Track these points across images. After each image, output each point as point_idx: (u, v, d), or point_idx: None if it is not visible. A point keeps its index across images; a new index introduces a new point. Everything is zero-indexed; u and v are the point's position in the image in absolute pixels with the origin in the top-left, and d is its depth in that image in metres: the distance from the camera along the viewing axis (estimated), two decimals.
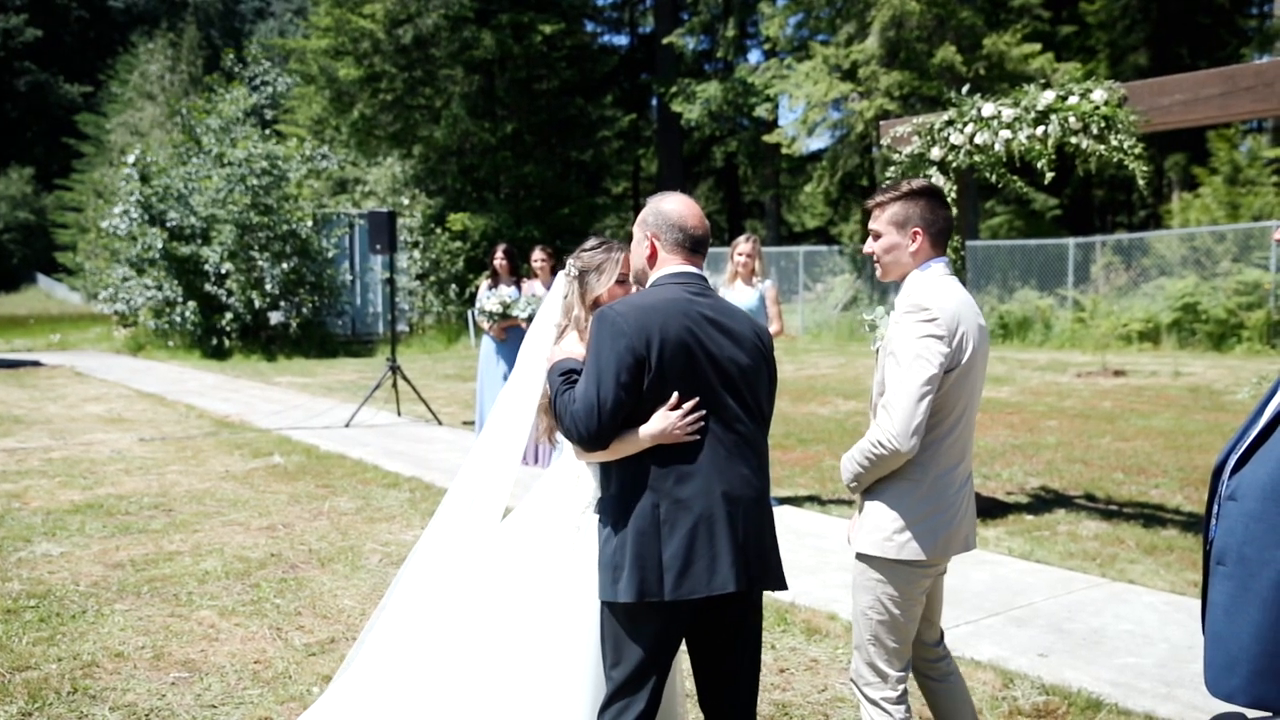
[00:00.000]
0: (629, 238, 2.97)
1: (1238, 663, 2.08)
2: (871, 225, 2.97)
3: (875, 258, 2.97)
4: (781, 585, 2.73)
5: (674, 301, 2.66)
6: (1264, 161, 22.18)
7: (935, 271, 2.88)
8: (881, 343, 2.91)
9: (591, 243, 3.17)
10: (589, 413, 2.58)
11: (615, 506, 2.65)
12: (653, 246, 2.81)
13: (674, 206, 2.82)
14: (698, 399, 2.61)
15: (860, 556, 2.90)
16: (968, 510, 2.91)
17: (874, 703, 2.90)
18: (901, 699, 2.90)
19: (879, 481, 2.85)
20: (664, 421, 2.58)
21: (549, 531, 2.97)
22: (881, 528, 2.82)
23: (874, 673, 2.90)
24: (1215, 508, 2.21)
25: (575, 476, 2.94)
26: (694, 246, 2.80)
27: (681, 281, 2.74)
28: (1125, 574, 5.63)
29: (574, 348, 2.90)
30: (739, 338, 2.69)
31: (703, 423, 2.61)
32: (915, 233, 2.87)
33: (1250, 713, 2.04)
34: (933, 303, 2.75)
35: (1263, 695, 2.04)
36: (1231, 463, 2.17)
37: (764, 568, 2.66)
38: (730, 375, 2.65)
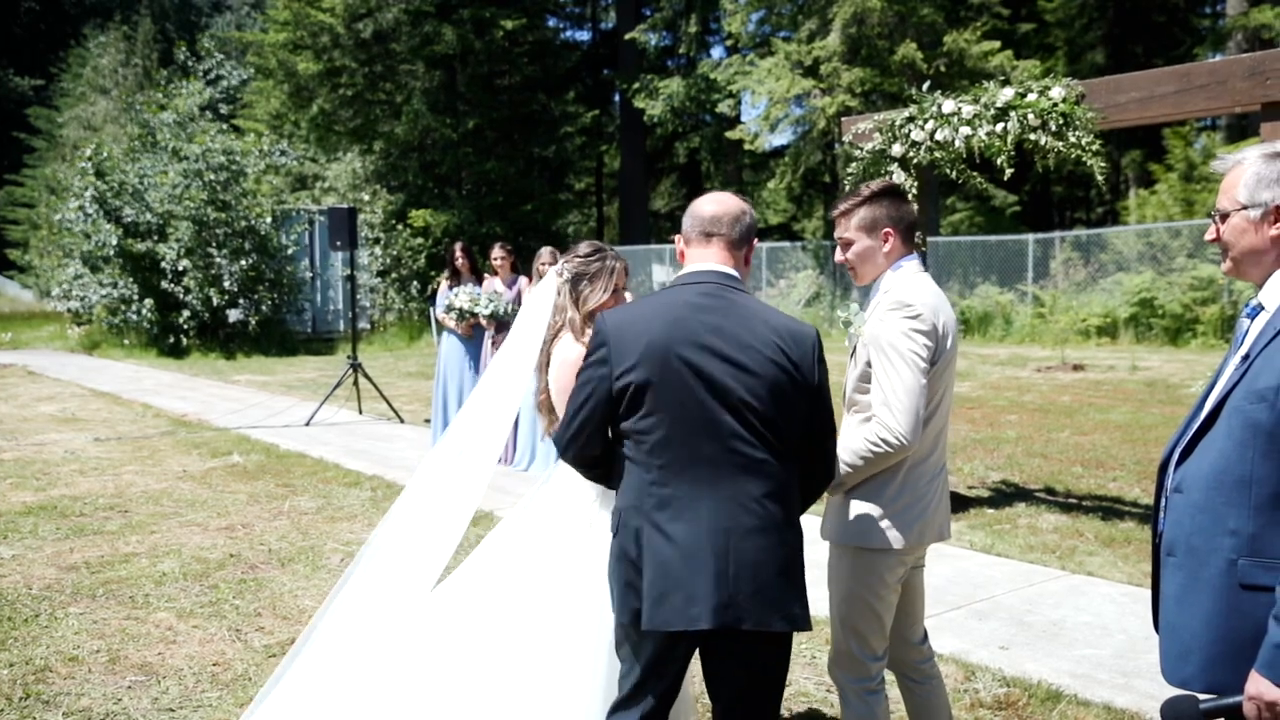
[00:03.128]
0: (595, 234, 2.95)
1: (1191, 651, 2.12)
2: (840, 234, 2.98)
3: (849, 265, 2.98)
4: (796, 624, 2.43)
5: (670, 306, 2.50)
6: (1218, 158, 22.52)
7: (910, 269, 2.91)
8: (858, 340, 2.90)
9: (586, 248, 3.19)
10: (563, 424, 2.60)
11: (615, 522, 2.56)
12: (680, 249, 2.71)
13: (697, 200, 2.71)
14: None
15: (835, 547, 2.92)
16: (941, 500, 2.95)
17: (851, 693, 2.93)
18: (878, 690, 2.92)
19: None
20: None
21: (561, 529, 2.94)
22: (858, 518, 2.84)
23: (850, 662, 2.93)
24: (1163, 501, 2.25)
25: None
26: (704, 229, 2.61)
27: (693, 281, 2.56)
28: (1084, 566, 5.70)
29: (571, 349, 2.97)
30: (747, 348, 2.43)
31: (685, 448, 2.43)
32: (886, 233, 2.90)
33: (1202, 695, 2.08)
34: (915, 299, 2.79)
35: (1217, 681, 2.08)
36: (1176, 456, 2.21)
37: (762, 603, 2.39)
38: (728, 391, 2.41)
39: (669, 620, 2.38)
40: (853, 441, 2.79)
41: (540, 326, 3.11)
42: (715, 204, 2.65)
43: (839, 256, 3.02)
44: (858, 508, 2.84)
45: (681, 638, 2.46)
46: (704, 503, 2.40)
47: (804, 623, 2.45)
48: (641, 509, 2.45)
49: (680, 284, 2.59)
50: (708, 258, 2.60)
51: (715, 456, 2.41)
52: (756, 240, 2.67)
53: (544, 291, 3.16)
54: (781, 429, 2.46)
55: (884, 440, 2.72)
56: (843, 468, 2.80)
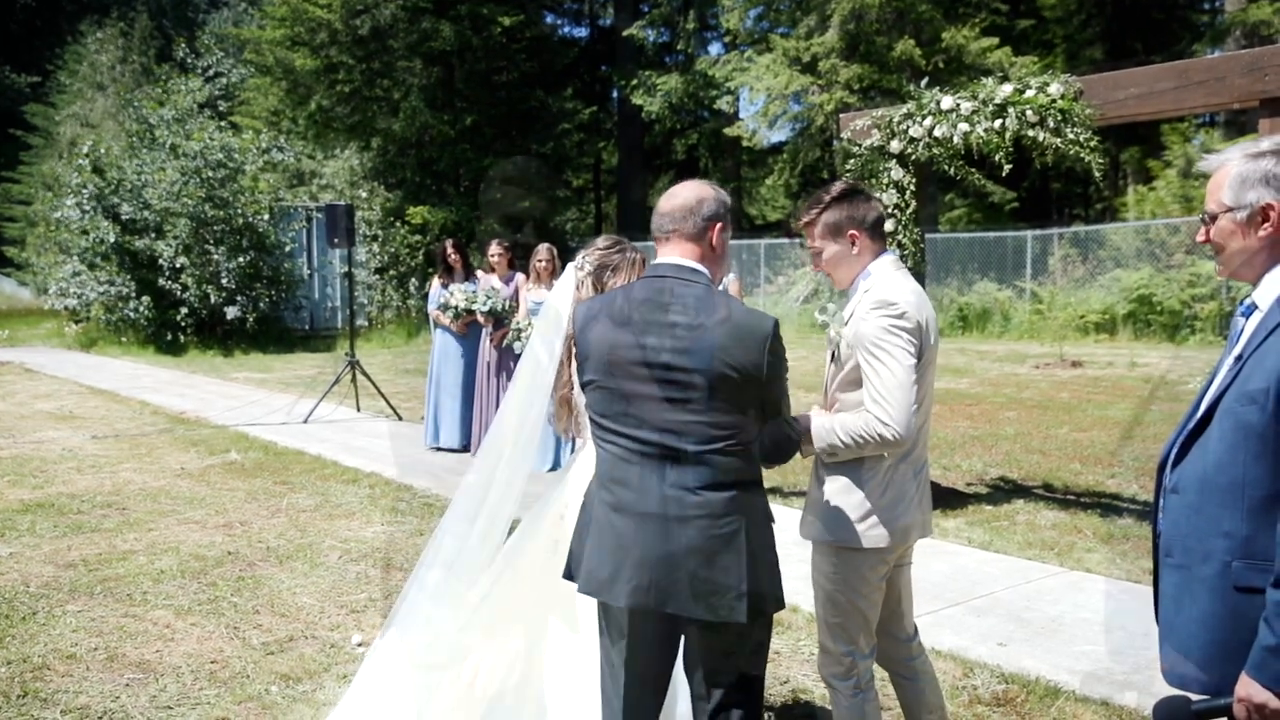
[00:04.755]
0: (593, 231, 2.96)
1: (1189, 651, 2.13)
2: (810, 245, 2.97)
3: (826, 273, 2.97)
4: (719, 614, 2.43)
5: (620, 302, 2.58)
6: (1203, 160, 22.52)
7: (886, 267, 2.88)
8: (839, 343, 2.88)
9: (605, 241, 3.20)
10: None
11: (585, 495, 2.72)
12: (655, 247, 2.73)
13: (661, 197, 2.72)
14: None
15: (817, 546, 2.91)
16: (923, 497, 2.93)
17: (837, 691, 2.92)
18: (866, 688, 2.92)
19: (836, 469, 2.85)
20: None
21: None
22: (840, 515, 2.82)
23: (837, 661, 2.92)
24: (1161, 501, 2.25)
25: None
26: (661, 227, 2.63)
27: (650, 275, 2.62)
28: (1082, 563, 5.70)
29: None
30: (688, 341, 2.45)
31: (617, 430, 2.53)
32: (852, 235, 2.88)
33: (1195, 695, 2.08)
34: (898, 297, 2.76)
35: (1214, 681, 2.08)
36: (1173, 456, 2.21)
37: (684, 590, 2.43)
38: (663, 385, 2.46)
39: (596, 590, 2.53)
40: (850, 421, 2.72)
41: (562, 321, 3.11)
42: (668, 200, 2.66)
43: (814, 266, 3.00)
44: (838, 507, 2.82)
45: (639, 616, 2.53)
46: (642, 491, 2.48)
47: (734, 614, 2.42)
48: (598, 488, 2.60)
49: (641, 278, 2.67)
50: (670, 253, 2.62)
51: (653, 447, 2.48)
52: (721, 224, 2.62)
53: (563, 286, 3.16)
54: (721, 420, 2.46)
55: (880, 435, 2.68)
56: (839, 442, 2.73)
